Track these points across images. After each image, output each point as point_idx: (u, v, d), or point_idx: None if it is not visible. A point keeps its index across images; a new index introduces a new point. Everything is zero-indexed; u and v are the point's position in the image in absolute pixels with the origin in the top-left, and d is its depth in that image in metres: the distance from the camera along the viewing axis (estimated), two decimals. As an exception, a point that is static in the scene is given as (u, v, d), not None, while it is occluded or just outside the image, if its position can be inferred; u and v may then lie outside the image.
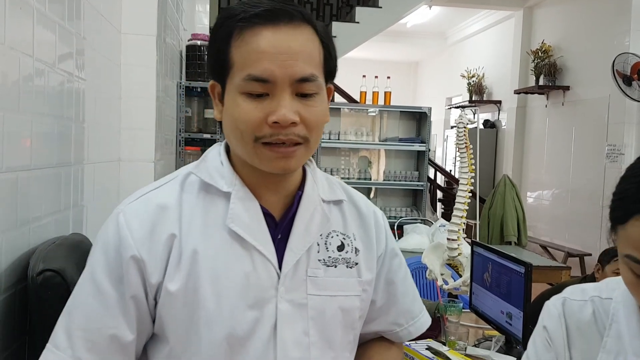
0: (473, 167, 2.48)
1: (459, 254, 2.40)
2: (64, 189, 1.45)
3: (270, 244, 0.84)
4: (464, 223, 2.41)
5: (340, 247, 0.91)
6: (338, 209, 0.94)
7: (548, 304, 0.97)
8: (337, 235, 0.91)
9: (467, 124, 2.48)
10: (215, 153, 0.88)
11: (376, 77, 5.27)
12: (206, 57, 0.97)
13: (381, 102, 5.25)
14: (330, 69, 0.85)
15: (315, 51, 0.81)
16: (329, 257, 0.89)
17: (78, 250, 1.27)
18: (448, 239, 2.42)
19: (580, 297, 0.94)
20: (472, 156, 2.48)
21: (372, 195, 5.29)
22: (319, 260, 0.88)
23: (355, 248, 0.92)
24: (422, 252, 2.64)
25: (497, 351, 1.88)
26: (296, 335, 0.84)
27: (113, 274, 0.80)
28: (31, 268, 1.09)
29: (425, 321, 1.05)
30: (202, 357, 0.81)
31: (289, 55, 0.78)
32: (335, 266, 0.89)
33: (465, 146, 2.49)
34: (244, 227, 0.82)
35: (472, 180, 2.36)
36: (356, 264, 0.91)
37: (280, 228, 0.86)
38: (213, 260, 0.81)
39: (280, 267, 0.84)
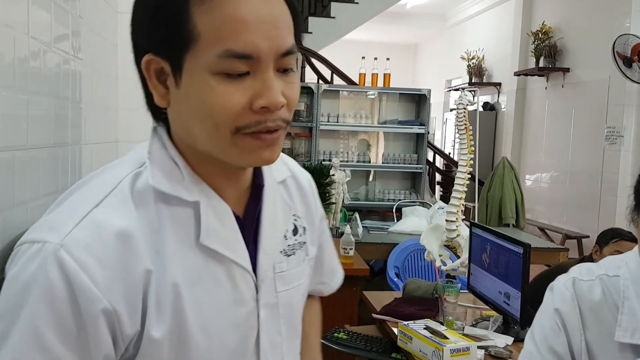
0: (472, 148, 2.48)
1: (457, 236, 2.41)
2: (61, 169, 1.45)
3: (246, 252, 0.72)
4: (463, 205, 2.42)
5: (295, 231, 0.82)
6: (284, 186, 0.83)
7: (558, 285, 0.96)
8: (290, 219, 0.82)
9: (467, 105, 2.47)
10: (160, 149, 0.70)
11: (375, 59, 5.23)
12: (132, 22, 0.69)
13: (380, 84, 5.22)
14: (298, 35, 0.69)
15: (289, 16, 0.67)
16: (288, 245, 0.79)
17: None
18: (447, 220, 2.43)
19: (588, 277, 0.93)
20: (471, 138, 2.48)
21: (371, 178, 5.30)
22: (281, 252, 0.78)
23: (304, 227, 0.83)
24: (420, 235, 2.66)
25: (495, 331, 1.89)
26: (272, 338, 0.76)
27: (69, 336, 0.61)
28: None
29: (342, 272, 1.02)
30: None
31: (273, 23, 0.64)
32: (295, 253, 0.80)
33: (465, 128, 2.48)
34: (220, 241, 0.69)
35: (471, 162, 2.36)
36: (304, 242, 0.83)
37: (249, 229, 0.74)
38: (193, 288, 0.67)
39: (254, 273, 0.74)
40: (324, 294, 1.00)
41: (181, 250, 0.67)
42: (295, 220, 0.83)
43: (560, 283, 0.96)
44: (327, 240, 0.95)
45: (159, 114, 0.72)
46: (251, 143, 0.66)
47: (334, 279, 1.00)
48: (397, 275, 3.55)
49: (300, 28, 0.69)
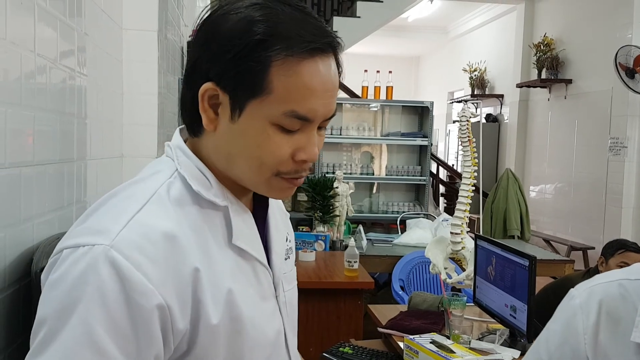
0: (476, 160, 2.47)
1: (462, 248, 2.40)
2: (67, 185, 1.45)
3: (264, 252, 0.80)
4: (467, 217, 2.41)
5: (285, 238, 0.89)
6: None
7: (576, 289, 0.95)
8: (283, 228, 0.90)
9: (470, 117, 2.48)
10: (186, 162, 0.75)
11: (378, 71, 5.26)
12: (203, 47, 0.73)
13: (383, 96, 5.24)
14: None
15: (338, 81, 0.75)
16: (284, 249, 0.87)
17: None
18: (451, 232, 2.42)
19: (607, 280, 0.93)
20: (474, 150, 2.48)
21: (374, 190, 5.29)
22: (282, 257, 0.86)
23: (288, 233, 0.90)
24: (425, 247, 2.64)
25: (502, 344, 1.88)
26: (289, 330, 0.83)
27: (122, 335, 0.63)
28: (35, 264, 1.09)
29: None
30: None
31: (332, 92, 0.72)
32: (289, 257, 0.89)
33: (468, 140, 2.48)
34: (247, 242, 0.77)
35: (475, 174, 2.36)
36: (292, 249, 0.91)
37: (260, 232, 0.81)
38: (235, 283, 0.73)
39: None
40: None
41: (219, 249, 0.73)
42: (287, 232, 0.90)
43: (579, 287, 0.95)
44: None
45: (197, 132, 0.76)
46: (283, 184, 0.75)
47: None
48: (402, 288, 3.53)
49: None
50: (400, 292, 3.47)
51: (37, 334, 0.64)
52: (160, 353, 0.66)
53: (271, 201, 0.85)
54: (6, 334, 1.07)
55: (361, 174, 5.16)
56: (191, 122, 0.76)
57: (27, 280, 1.14)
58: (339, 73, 0.75)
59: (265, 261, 0.79)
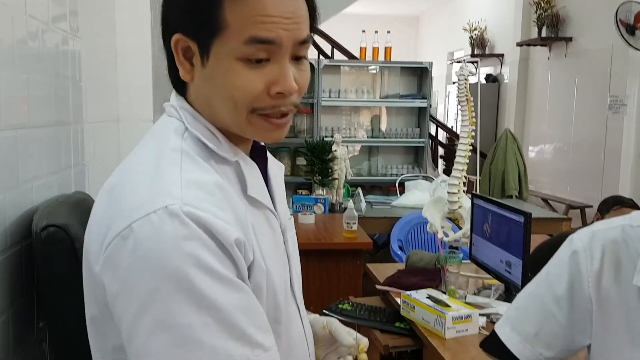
0: (474, 120, 2.47)
1: (459, 207, 2.42)
2: (64, 148, 1.46)
3: (271, 201, 0.84)
4: (465, 176, 2.42)
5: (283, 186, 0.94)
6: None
7: (576, 235, 0.95)
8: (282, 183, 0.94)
9: (468, 76, 2.46)
10: (193, 121, 0.77)
11: (376, 32, 5.18)
12: (165, 3, 0.78)
13: (381, 58, 5.18)
14: (312, 26, 0.78)
15: (306, 12, 0.76)
16: (284, 196, 0.91)
17: (81, 207, 1.29)
18: (448, 192, 2.43)
19: (607, 226, 0.93)
20: (472, 109, 2.48)
21: (373, 153, 5.30)
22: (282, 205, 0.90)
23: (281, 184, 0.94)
24: (423, 208, 2.67)
25: (497, 299, 1.92)
26: (295, 277, 0.87)
27: (231, 268, 0.68)
28: (35, 224, 1.10)
29: None
30: (277, 320, 0.78)
31: (293, 19, 0.72)
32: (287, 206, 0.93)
33: (466, 99, 2.48)
34: (259, 192, 0.80)
35: (473, 134, 2.36)
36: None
37: (265, 182, 0.85)
38: (258, 232, 0.76)
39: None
40: None
41: (239, 198, 0.75)
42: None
43: (580, 232, 0.96)
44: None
45: (181, 88, 0.78)
46: (264, 125, 0.75)
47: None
48: (401, 248, 3.58)
49: (315, 21, 0.78)
50: (398, 252, 3.52)
51: (145, 313, 0.63)
52: (247, 281, 0.70)
53: (270, 160, 0.88)
54: (9, 293, 1.09)
55: (360, 137, 5.15)
56: (175, 80, 0.78)
57: (28, 241, 1.16)
58: (310, 5, 0.76)
59: (273, 209, 0.83)
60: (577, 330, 0.94)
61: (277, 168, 0.91)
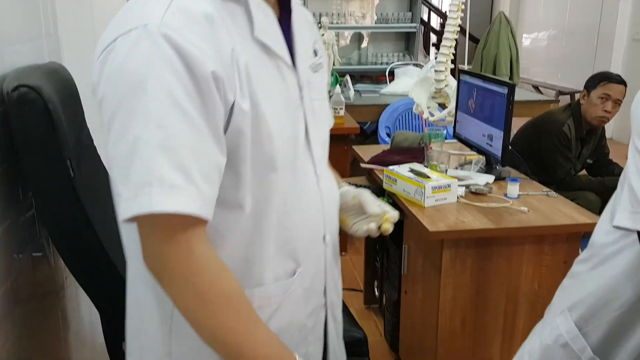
0: (463, -5, 2.38)
1: (445, 86, 2.40)
2: (34, 17, 1.40)
3: (288, 53, 0.81)
4: (453, 53, 2.38)
5: (315, 53, 0.90)
6: (301, 10, 0.89)
7: None
8: (311, 37, 0.91)
9: (459, -54, 2.33)
10: None
11: None
12: None
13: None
14: None
15: None
16: (312, 63, 0.88)
17: (55, 75, 1.26)
18: (435, 70, 2.40)
19: None
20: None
21: (364, 42, 5.15)
22: (309, 67, 0.87)
23: (317, 48, 0.91)
24: (410, 89, 2.64)
25: (477, 172, 1.96)
26: (316, 137, 0.87)
27: (194, 99, 0.67)
28: (5, 86, 1.08)
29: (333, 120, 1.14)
30: (268, 167, 0.78)
31: None
32: (318, 72, 0.90)
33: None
34: (270, 37, 0.77)
35: (463, 7, 2.28)
36: (322, 65, 0.92)
37: (286, 33, 0.82)
38: (258, 73, 0.75)
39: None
40: None
41: (242, 39, 0.74)
42: (314, 42, 0.91)
43: None
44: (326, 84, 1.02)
45: None
46: None
47: (331, 120, 1.09)
48: (389, 135, 3.59)
49: None
50: (386, 139, 3.54)
51: (113, 121, 0.68)
52: (221, 123, 0.70)
53: (298, 12, 0.85)
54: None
55: (350, 22, 4.98)
56: None
57: (2, 108, 1.14)
58: None
59: (289, 61, 0.81)
60: None
61: (306, 24, 0.87)
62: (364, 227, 0.98)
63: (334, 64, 3.87)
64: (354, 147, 2.53)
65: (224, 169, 0.73)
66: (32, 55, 1.36)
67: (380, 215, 0.96)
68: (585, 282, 0.91)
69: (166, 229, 0.68)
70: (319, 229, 0.88)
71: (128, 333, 0.89)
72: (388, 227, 0.96)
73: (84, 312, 1.65)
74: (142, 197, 0.65)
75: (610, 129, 5.15)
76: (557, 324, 0.95)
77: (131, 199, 0.66)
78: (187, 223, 0.68)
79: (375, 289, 2.43)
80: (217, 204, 0.72)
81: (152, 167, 0.65)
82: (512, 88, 1.74)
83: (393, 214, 0.97)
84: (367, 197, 0.98)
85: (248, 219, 0.78)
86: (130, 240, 0.81)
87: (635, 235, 0.77)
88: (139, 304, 0.84)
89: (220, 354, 0.73)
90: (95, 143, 1.40)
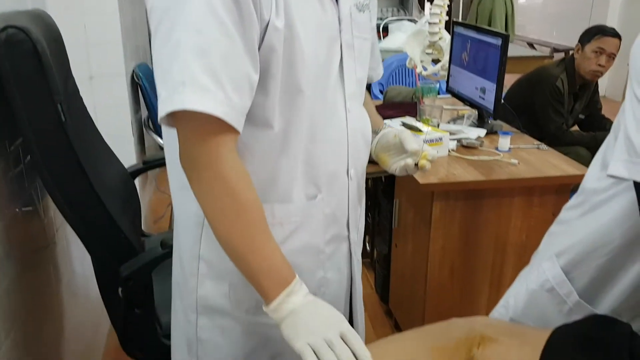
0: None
1: (439, 39, 2.36)
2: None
3: None
4: (448, 5, 2.33)
5: None
6: None
7: None
8: None
9: None
10: None
11: None
12: None
13: None
14: None
15: None
16: (358, 1, 0.91)
17: (40, 20, 1.23)
18: (429, 22, 2.36)
19: None
20: None
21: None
22: (354, 5, 0.90)
23: None
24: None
25: (469, 125, 1.95)
26: (350, 72, 0.90)
27: (233, 12, 0.72)
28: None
29: (382, 69, 1.16)
30: (298, 88, 0.82)
31: None
32: (364, 11, 0.93)
33: None
34: None
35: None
36: (368, 6, 0.95)
37: None
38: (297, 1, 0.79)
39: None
40: (372, 80, 1.11)
41: None
42: None
43: None
44: (375, 30, 1.04)
45: None
46: None
47: (379, 69, 1.13)
48: (382, 92, 3.55)
49: None
50: (379, 96, 3.51)
51: (158, 28, 0.73)
52: (257, 37, 0.75)
53: None
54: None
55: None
56: None
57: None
58: None
59: None
60: None
61: None
62: (401, 163, 1.01)
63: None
64: (347, 102, 2.51)
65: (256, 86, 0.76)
66: (15, 1, 1.32)
67: (418, 152, 1.00)
68: (576, 229, 0.92)
69: (199, 131, 0.73)
70: (343, 160, 0.92)
71: (174, 237, 0.96)
72: (425, 164, 1.00)
73: (76, 264, 1.66)
74: (176, 95, 0.70)
75: (603, 87, 5.14)
76: (543, 269, 0.96)
77: (168, 98, 0.71)
78: (217, 128, 0.72)
79: (367, 244, 2.46)
80: (247, 121, 0.76)
81: (187, 68, 0.70)
82: (506, 39, 1.72)
83: (432, 152, 1.01)
84: (407, 135, 1.02)
85: (276, 138, 0.82)
86: (171, 147, 0.85)
87: (628, 182, 0.77)
88: (180, 208, 0.91)
89: (231, 257, 0.78)
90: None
